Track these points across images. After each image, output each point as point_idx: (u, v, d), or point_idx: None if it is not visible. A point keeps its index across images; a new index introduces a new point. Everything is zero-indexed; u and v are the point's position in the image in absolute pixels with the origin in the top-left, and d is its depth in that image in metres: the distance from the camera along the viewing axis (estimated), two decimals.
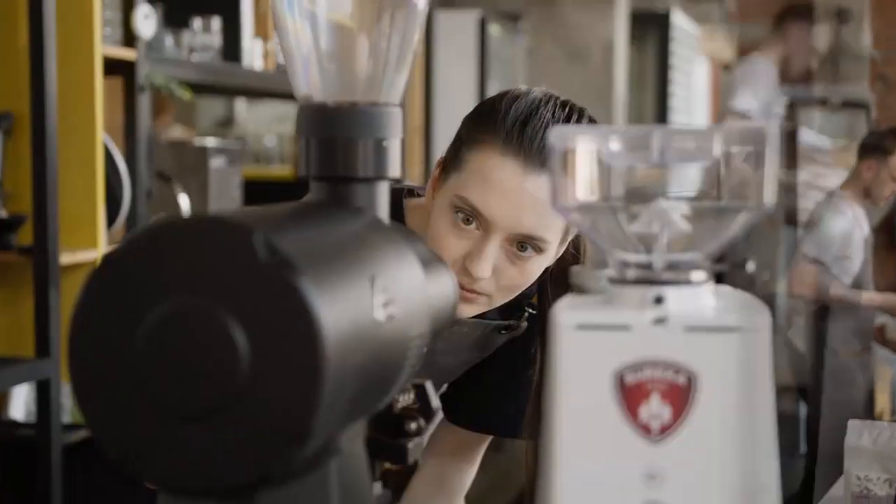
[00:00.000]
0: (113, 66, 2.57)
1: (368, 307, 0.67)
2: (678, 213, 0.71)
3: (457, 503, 1.57)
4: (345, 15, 0.82)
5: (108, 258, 0.63)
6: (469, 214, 1.24)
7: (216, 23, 2.96)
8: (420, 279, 0.77)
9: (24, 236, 2.36)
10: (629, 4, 5.76)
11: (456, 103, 4.70)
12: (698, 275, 0.71)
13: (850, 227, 4.36)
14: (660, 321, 0.68)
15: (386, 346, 0.70)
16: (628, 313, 0.69)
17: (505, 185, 1.22)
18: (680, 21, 7.33)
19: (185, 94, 2.70)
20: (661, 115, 7.26)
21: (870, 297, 4.47)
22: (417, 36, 0.85)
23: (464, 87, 4.70)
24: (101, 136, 2.46)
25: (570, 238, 1.32)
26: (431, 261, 0.87)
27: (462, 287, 1.24)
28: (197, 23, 2.96)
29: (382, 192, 0.82)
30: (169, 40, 2.88)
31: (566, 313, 0.69)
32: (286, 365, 0.60)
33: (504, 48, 5.01)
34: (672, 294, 0.69)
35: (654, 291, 0.69)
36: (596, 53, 5.41)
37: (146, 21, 2.58)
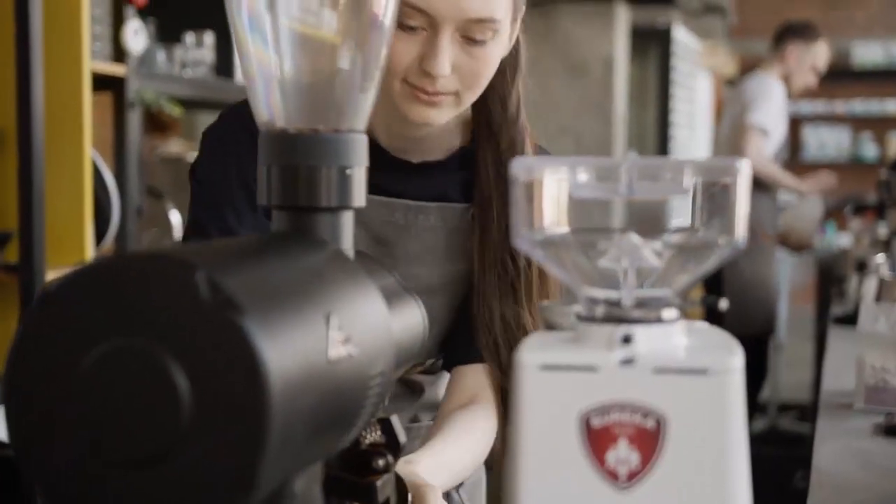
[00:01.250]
0: (103, 82, 2.54)
1: (322, 346, 0.64)
2: (648, 249, 0.68)
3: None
4: (307, 38, 0.79)
5: (47, 293, 0.60)
6: (411, 16, 1.19)
7: (209, 38, 2.93)
8: (382, 314, 0.74)
9: (10, 253, 2.34)
10: (630, 20, 5.73)
11: None
12: (669, 312, 0.68)
13: (782, 102, 4.45)
14: (627, 362, 0.65)
15: (343, 385, 0.67)
16: (595, 353, 0.66)
17: None
18: (681, 36, 7.31)
19: (175, 111, 2.68)
20: (663, 130, 7.23)
21: (811, 183, 4.67)
22: (384, 56, 0.82)
23: None
24: (89, 152, 2.43)
25: (520, 16, 1.28)
26: (397, 293, 0.84)
27: (425, 91, 1.21)
28: (189, 38, 2.94)
29: (347, 222, 0.80)
30: (161, 55, 2.86)
31: (530, 353, 0.66)
32: (229, 409, 0.58)
33: None
34: (641, 333, 0.67)
35: (622, 330, 0.67)
36: (596, 68, 5.39)
37: (136, 36, 2.55)
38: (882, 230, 4.03)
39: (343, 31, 0.80)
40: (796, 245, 4.91)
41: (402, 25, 1.19)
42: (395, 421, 0.83)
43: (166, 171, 3.01)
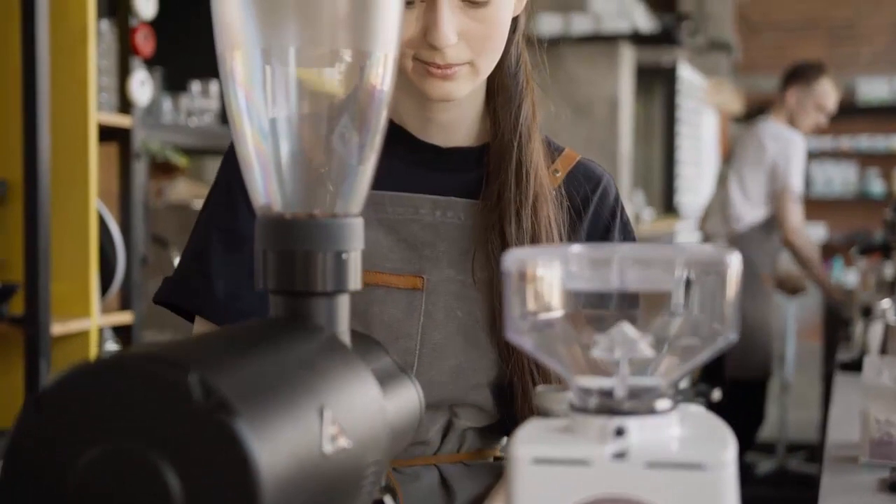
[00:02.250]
0: (109, 133, 2.56)
1: (316, 441, 0.65)
2: (641, 339, 0.69)
3: None
4: (304, 124, 0.80)
5: (39, 397, 0.61)
6: None
7: (215, 87, 2.95)
8: (376, 401, 0.74)
9: (16, 305, 2.35)
10: (634, 59, 5.75)
11: None
12: (662, 403, 0.68)
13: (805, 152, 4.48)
14: (620, 456, 0.65)
15: (337, 478, 0.67)
16: (587, 447, 0.66)
17: None
18: (687, 74, 7.33)
19: (181, 160, 2.69)
20: (669, 168, 7.25)
21: (832, 289, 4.72)
22: (379, 141, 0.83)
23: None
24: (94, 204, 2.44)
25: None
26: (392, 374, 0.84)
27: (437, 66, 1.15)
28: (195, 86, 2.96)
29: (343, 306, 0.80)
30: (167, 104, 2.88)
31: (523, 446, 0.67)
32: None
33: None
34: (634, 425, 0.67)
35: (615, 423, 0.67)
36: (601, 108, 5.41)
37: (142, 87, 2.57)
38: (888, 271, 4.02)
39: (340, 114, 0.81)
40: (791, 289, 4.91)
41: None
42: (389, 502, 0.83)
43: (172, 218, 3.03)
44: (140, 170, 2.60)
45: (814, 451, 5.31)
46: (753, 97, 9.89)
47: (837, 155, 9.98)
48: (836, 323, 4.77)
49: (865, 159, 9.94)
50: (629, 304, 0.70)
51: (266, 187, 0.80)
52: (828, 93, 4.50)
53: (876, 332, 2.93)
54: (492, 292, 1.21)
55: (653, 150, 7.25)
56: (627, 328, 0.69)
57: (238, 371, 0.63)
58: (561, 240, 1.21)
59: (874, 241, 5.22)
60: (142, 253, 2.64)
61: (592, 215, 1.27)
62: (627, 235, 1.27)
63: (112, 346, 2.74)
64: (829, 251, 9.92)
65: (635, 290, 0.69)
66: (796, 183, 4.36)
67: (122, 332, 2.67)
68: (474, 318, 1.21)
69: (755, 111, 9.91)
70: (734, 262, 0.67)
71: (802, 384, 6.15)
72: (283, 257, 0.78)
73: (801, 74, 4.49)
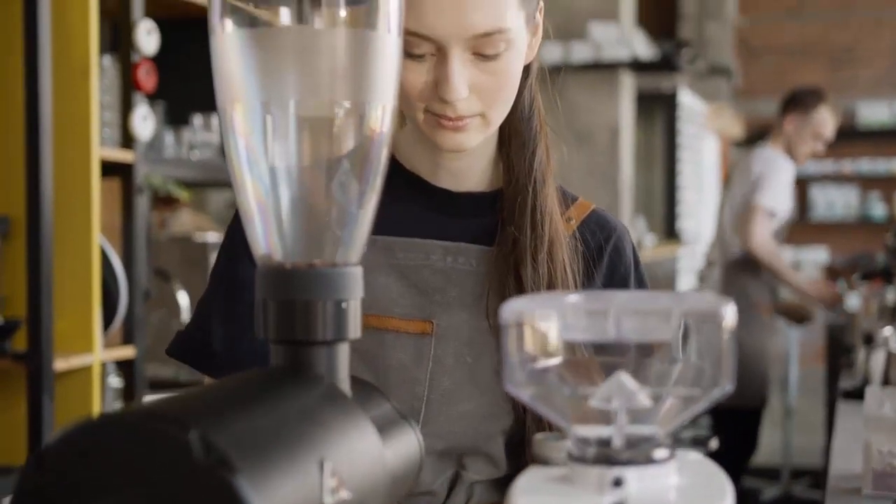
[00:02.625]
0: (111, 168, 2.58)
1: (316, 495, 0.65)
2: (639, 389, 0.69)
3: None
4: (304, 174, 0.81)
5: (41, 453, 0.61)
6: (416, 45, 1.11)
7: (216, 120, 2.97)
8: (376, 451, 0.75)
9: (19, 341, 2.35)
10: (635, 86, 5.78)
11: None
12: (660, 452, 0.68)
13: (791, 180, 4.45)
14: None
15: None
16: (586, 497, 0.66)
17: None
18: (687, 99, 7.36)
19: (183, 195, 2.71)
20: (670, 194, 7.26)
21: (813, 290, 4.67)
22: (377, 190, 0.83)
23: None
24: (97, 240, 2.45)
25: (539, 13, 1.20)
26: (392, 420, 0.84)
27: (448, 118, 1.14)
28: (197, 120, 2.98)
29: (342, 354, 0.81)
30: (170, 138, 2.89)
31: (523, 496, 0.67)
32: None
33: None
34: (632, 475, 0.67)
35: (613, 473, 0.67)
36: (602, 135, 5.43)
37: (144, 122, 2.59)
38: (890, 296, 4.02)
39: (339, 163, 0.82)
40: (798, 318, 4.90)
41: (408, 54, 1.12)
42: None
43: (174, 250, 3.04)
44: (142, 204, 2.61)
45: (818, 477, 5.29)
46: (754, 121, 9.92)
47: (839, 178, 10.00)
48: (839, 348, 4.76)
49: (867, 183, 9.96)
50: (626, 354, 0.71)
51: (266, 237, 0.81)
52: (825, 121, 4.50)
53: (878, 360, 2.93)
54: None
55: (654, 176, 7.26)
56: (625, 378, 0.70)
57: (238, 426, 0.63)
58: (576, 285, 1.19)
59: (876, 265, 5.22)
60: (144, 287, 2.65)
61: (607, 267, 1.26)
62: (643, 289, 1.26)
63: (115, 380, 2.75)
64: (831, 274, 9.93)
65: (632, 340, 0.69)
66: (767, 199, 4.33)
67: (124, 367, 2.67)
68: (486, 364, 1.20)
69: (756, 136, 9.94)
70: (729, 313, 0.68)
71: (806, 408, 6.14)
72: (284, 307, 0.79)
73: (799, 102, 4.50)
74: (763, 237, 4.34)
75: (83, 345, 2.43)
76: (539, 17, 1.21)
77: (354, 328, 0.80)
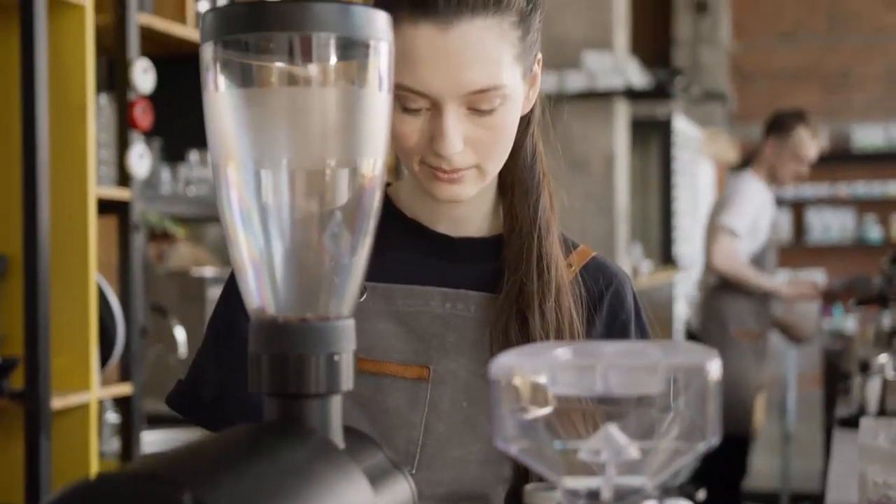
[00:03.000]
0: (108, 205, 2.59)
1: None
2: (627, 441, 0.70)
3: None
4: (297, 230, 0.82)
5: None
6: (412, 100, 1.12)
7: None
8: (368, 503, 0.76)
9: (16, 380, 2.36)
10: (629, 113, 5.81)
11: None
12: (649, 503, 0.69)
13: (763, 203, 4.41)
14: None
15: None
16: None
17: (427, 52, 1.10)
18: (682, 125, 7.39)
19: (179, 232, 2.72)
20: (666, 220, 7.28)
21: (791, 288, 4.58)
22: (369, 242, 0.84)
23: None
24: (94, 278, 2.46)
25: (536, 65, 1.20)
26: (385, 470, 0.85)
27: (443, 170, 1.14)
28: (193, 156, 2.99)
29: (335, 406, 0.82)
30: (166, 174, 2.91)
31: None
32: None
33: None
34: None
35: None
36: (597, 163, 5.45)
37: (141, 160, 2.60)
38: (886, 321, 4.03)
39: (331, 218, 0.83)
40: (797, 337, 4.90)
41: (404, 108, 1.13)
42: None
43: (172, 285, 3.05)
44: (139, 241, 2.62)
45: (817, 502, 5.29)
46: (749, 146, 9.95)
47: (835, 202, 10.03)
48: (836, 373, 4.77)
49: (863, 205, 9.99)
50: (615, 406, 0.72)
51: (259, 291, 0.82)
52: (804, 141, 4.45)
53: (874, 388, 2.93)
54: None
55: (650, 202, 7.29)
56: (613, 430, 0.71)
57: (231, 486, 0.64)
58: (580, 333, 1.20)
59: (872, 288, 5.23)
60: (141, 323, 2.66)
61: (608, 313, 1.27)
62: (645, 336, 1.28)
63: (112, 416, 2.75)
64: (828, 298, 9.94)
65: (620, 394, 0.70)
66: (728, 219, 4.31)
67: (122, 403, 2.68)
68: (484, 410, 1.20)
69: (751, 160, 9.96)
70: (714, 367, 0.69)
71: (805, 432, 6.14)
72: (277, 360, 0.80)
73: (777, 124, 4.48)
74: (723, 254, 4.32)
75: (80, 382, 2.43)
76: (537, 68, 1.21)
77: (347, 380, 0.81)
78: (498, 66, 1.12)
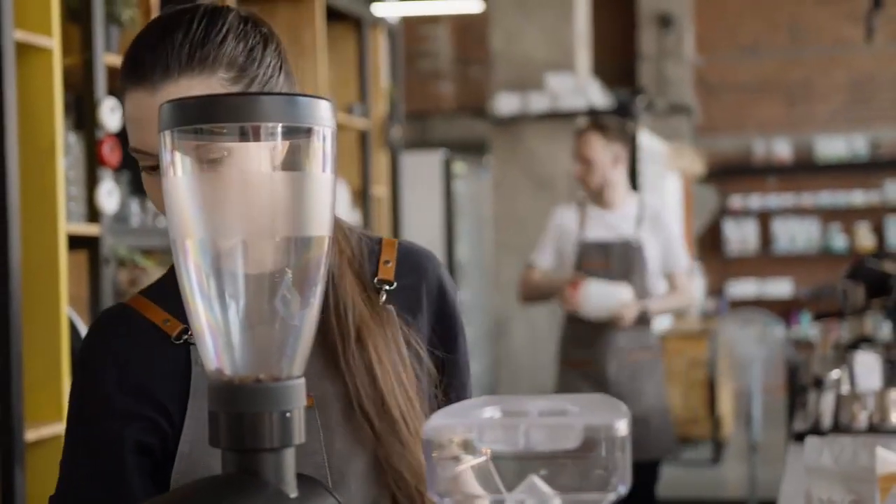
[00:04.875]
0: (78, 241, 2.65)
1: None
2: (549, 492, 0.78)
3: None
4: (249, 299, 0.90)
5: None
6: (142, 158, 1.19)
7: None
8: None
9: None
10: None
11: (424, 240, 4.81)
12: None
13: (554, 224, 4.12)
14: None
15: None
16: None
17: (141, 114, 1.17)
18: (647, 141, 7.50)
19: (148, 265, 2.78)
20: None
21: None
22: (317, 308, 0.92)
23: (431, 224, 4.79)
24: (65, 312, 2.53)
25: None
26: None
27: None
28: None
29: (288, 458, 0.89)
30: (135, 206, 2.97)
31: None
32: None
33: (470, 183, 5.11)
34: None
35: None
36: (561, 183, 5.54)
37: (109, 197, 2.67)
38: (844, 333, 4.12)
39: (281, 286, 0.91)
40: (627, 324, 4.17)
41: (143, 168, 1.20)
42: None
43: None
44: (108, 275, 2.68)
45: None
46: (715, 158, 10.10)
47: (800, 211, 10.18)
48: (797, 382, 4.86)
49: (827, 215, 10.15)
50: (538, 460, 0.79)
51: (216, 354, 0.90)
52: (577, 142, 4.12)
53: (828, 403, 3.01)
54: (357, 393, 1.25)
55: None
56: (537, 481, 0.79)
57: None
58: (400, 357, 1.26)
59: (837, 298, 5.31)
60: None
61: (434, 297, 1.33)
62: (454, 314, 1.34)
63: None
64: (795, 306, 10.10)
65: (540, 450, 0.78)
66: (537, 257, 4.13)
67: None
68: (357, 425, 1.26)
69: (718, 171, 10.16)
70: (622, 426, 0.77)
71: (772, 440, 6.24)
72: (233, 419, 0.88)
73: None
74: (520, 289, 4.16)
75: (54, 415, 2.49)
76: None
77: (299, 434, 0.89)
78: None
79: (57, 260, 2.50)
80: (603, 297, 3.93)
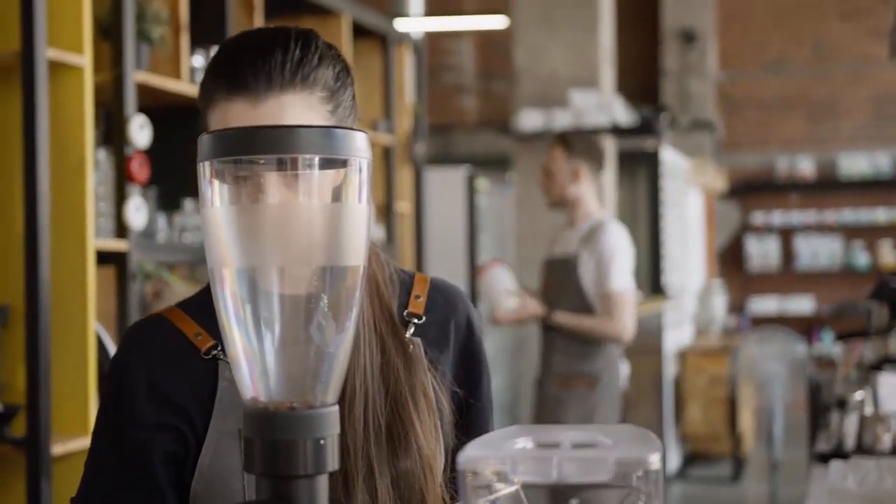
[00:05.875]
0: (106, 256, 2.68)
1: None
2: None
3: None
4: (285, 328, 0.91)
5: None
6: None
7: None
8: None
9: (17, 427, 2.44)
10: (616, 149, 5.91)
11: (446, 256, 4.84)
12: None
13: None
14: None
15: None
16: None
17: (238, 125, 1.18)
18: (669, 156, 7.50)
19: (173, 279, 2.81)
20: (655, 249, 7.38)
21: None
22: (351, 335, 0.93)
23: (454, 240, 4.79)
24: (93, 326, 2.55)
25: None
26: None
27: None
28: (189, 204, 3.09)
29: (322, 485, 0.90)
30: (162, 222, 3.00)
31: None
32: None
33: (493, 199, 5.12)
34: None
35: None
36: None
37: (137, 213, 2.69)
38: (868, 353, 4.10)
39: (316, 314, 0.92)
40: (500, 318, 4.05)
41: None
42: None
43: None
44: (136, 290, 2.71)
45: None
46: (738, 174, 10.08)
47: (822, 229, 10.14)
48: (820, 401, 4.83)
49: (850, 232, 10.11)
50: (570, 490, 0.80)
51: (252, 382, 0.91)
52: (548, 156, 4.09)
53: (851, 425, 2.99)
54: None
55: (639, 234, 7.37)
56: None
57: None
58: (377, 391, 1.26)
59: (859, 316, 5.29)
60: None
61: (462, 333, 1.35)
62: (480, 354, 1.36)
63: None
64: (816, 323, 10.06)
65: (572, 482, 0.79)
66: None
67: None
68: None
69: (740, 188, 10.14)
70: (655, 459, 0.78)
71: (793, 459, 6.21)
72: (268, 445, 0.89)
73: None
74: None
75: (80, 428, 2.51)
76: None
77: (332, 461, 0.90)
78: None
79: (85, 275, 2.53)
80: (494, 282, 3.88)
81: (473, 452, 0.80)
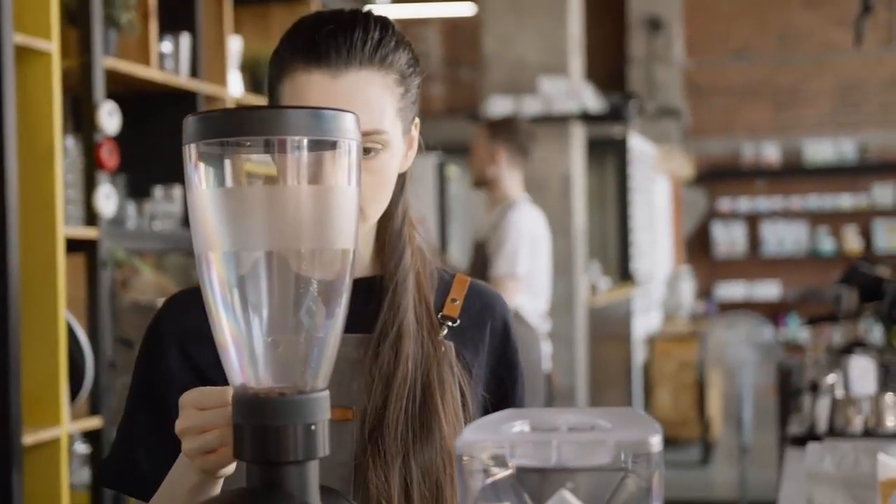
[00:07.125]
0: (76, 244, 2.64)
1: None
2: None
3: None
4: (273, 313, 0.89)
5: None
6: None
7: (177, 191, 3.05)
8: None
9: None
10: (585, 135, 5.91)
11: None
12: None
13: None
14: None
15: None
16: None
17: (319, 96, 1.18)
18: (637, 143, 7.51)
19: (145, 268, 2.78)
20: (623, 236, 7.40)
21: None
22: (341, 320, 0.92)
23: (424, 229, 4.76)
24: (63, 315, 2.52)
25: (414, 127, 1.28)
26: None
27: None
28: (158, 191, 3.05)
29: (312, 471, 0.89)
30: (132, 210, 2.96)
31: None
32: None
33: (463, 186, 5.11)
34: None
35: None
36: (555, 184, 5.54)
37: (107, 200, 2.66)
38: (836, 337, 4.13)
39: (306, 299, 0.90)
40: None
41: None
42: None
43: (136, 317, 3.09)
44: (106, 278, 2.68)
45: None
46: (704, 161, 10.12)
47: (788, 215, 10.20)
48: (789, 386, 4.85)
49: (815, 218, 10.17)
50: (569, 475, 0.79)
51: (241, 369, 0.89)
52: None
53: (823, 408, 3.01)
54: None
55: (607, 220, 7.39)
56: (567, 495, 0.79)
57: None
58: (415, 379, 1.24)
59: (824, 301, 5.32)
60: (110, 358, 2.71)
61: (497, 338, 1.34)
62: (516, 359, 1.35)
63: (81, 447, 2.80)
64: (783, 308, 10.14)
65: (572, 466, 0.78)
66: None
67: (92, 436, 2.72)
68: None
69: (707, 174, 10.18)
70: (657, 441, 0.77)
71: (762, 443, 6.25)
72: (258, 431, 0.87)
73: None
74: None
75: (51, 418, 2.48)
76: (415, 132, 1.29)
77: (323, 447, 0.89)
78: (381, 114, 1.21)
79: (55, 263, 2.49)
80: None
81: (470, 437, 0.79)
